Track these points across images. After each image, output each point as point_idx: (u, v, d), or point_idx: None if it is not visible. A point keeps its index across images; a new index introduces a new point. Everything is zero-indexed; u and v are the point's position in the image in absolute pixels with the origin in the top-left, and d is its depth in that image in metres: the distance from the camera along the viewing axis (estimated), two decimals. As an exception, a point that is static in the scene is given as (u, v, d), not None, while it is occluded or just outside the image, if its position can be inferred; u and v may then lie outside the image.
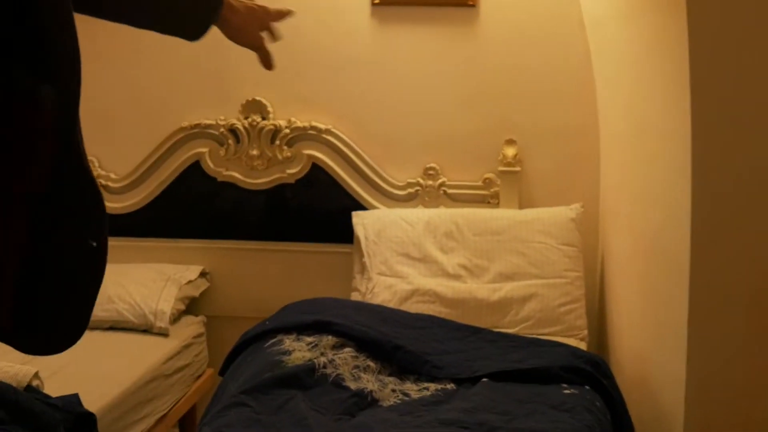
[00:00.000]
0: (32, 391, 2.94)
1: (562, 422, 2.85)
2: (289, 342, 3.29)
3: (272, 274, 4.30)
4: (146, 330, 3.99)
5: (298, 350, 3.22)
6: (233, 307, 4.35)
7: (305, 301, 3.67)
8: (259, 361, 3.18)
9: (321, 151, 4.22)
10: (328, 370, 3.10)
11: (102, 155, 4.41)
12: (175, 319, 4.14)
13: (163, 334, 3.99)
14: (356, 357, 3.20)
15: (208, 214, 4.36)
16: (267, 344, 3.30)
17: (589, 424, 2.87)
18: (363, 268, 3.98)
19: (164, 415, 3.79)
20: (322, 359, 3.14)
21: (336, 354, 3.19)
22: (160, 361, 3.79)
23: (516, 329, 3.70)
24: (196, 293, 4.31)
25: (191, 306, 4.31)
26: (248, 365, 3.21)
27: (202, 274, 4.36)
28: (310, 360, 3.14)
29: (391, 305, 3.75)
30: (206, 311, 4.35)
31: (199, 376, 4.20)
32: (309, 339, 3.29)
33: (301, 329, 3.35)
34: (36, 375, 3.01)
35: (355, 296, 3.95)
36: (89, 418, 2.98)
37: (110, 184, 4.39)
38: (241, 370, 3.21)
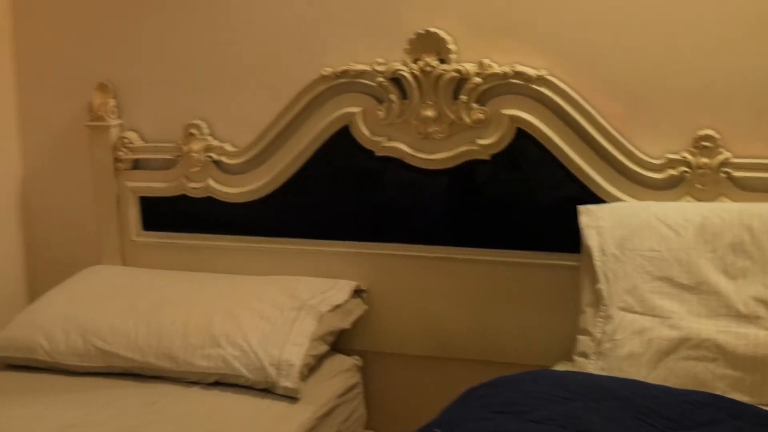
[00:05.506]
0: None
1: None
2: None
3: (458, 293, 3.20)
4: (267, 389, 2.84)
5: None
6: (401, 341, 3.29)
7: (502, 381, 2.38)
8: None
9: (530, 111, 3.07)
10: None
11: (214, 119, 3.41)
12: (312, 368, 2.97)
13: (291, 396, 2.81)
14: None
15: (362, 205, 3.32)
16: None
17: None
18: (597, 299, 2.80)
19: None
20: None
21: None
22: (281, 449, 2.61)
23: None
24: (347, 323, 3.16)
25: (340, 339, 3.19)
26: None
27: (357, 293, 3.25)
28: None
29: (642, 362, 2.63)
30: (362, 345, 3.30)
31: (351, 447, 3.06)
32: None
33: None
34: None
35: (584, 344, 2.76)
36: None
37: (225, 159, 3.41)
38: None
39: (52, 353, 2.98)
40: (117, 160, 3.43)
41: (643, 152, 2.97)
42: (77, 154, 3.50)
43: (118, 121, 3.44)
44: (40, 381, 2.95)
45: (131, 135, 3.43)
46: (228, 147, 3.36)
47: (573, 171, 3.02)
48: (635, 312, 2.72)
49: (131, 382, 2.92)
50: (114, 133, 3.43)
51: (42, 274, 3.59)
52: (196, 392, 2.85)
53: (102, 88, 3.39)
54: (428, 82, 3.07)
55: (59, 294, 3.22)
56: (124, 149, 3.42)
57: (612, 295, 2.76)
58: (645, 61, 2.97)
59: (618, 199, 2.98)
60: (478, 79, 3.03)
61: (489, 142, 3.06)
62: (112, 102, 3.41)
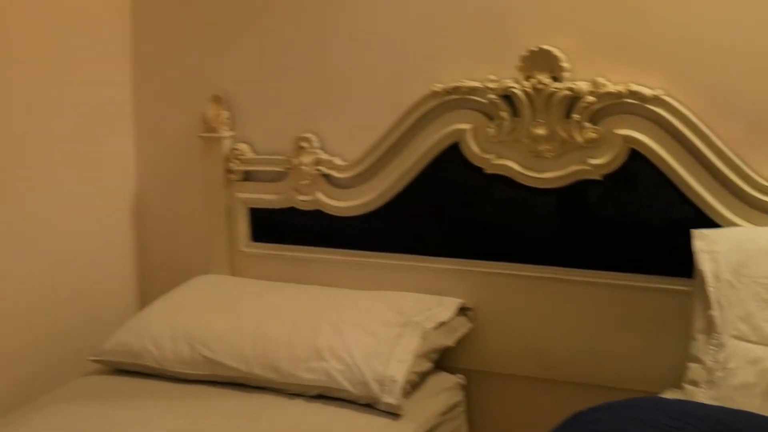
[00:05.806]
0: None
1: None
2: None
3: (565, 314, 3.05)
4: (369, 404, 2.77)
5: None
6: (506, 361, 3.15)
7: (611, 407, 2.21)
8: None
9: (645, 132, 2.89)
10: None
11: (324, 132, 3.36)
12: (415, 385, 2.89)
13: (393, 413, 2.74)
14: None
15: (471, 222, 3.18)
16: None
17: None
18: (709, 325, 2.62)
19: None
20: None
21: None
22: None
23: None
24: (451, 341, 3.06)
25: (444, 356, 3.09)
26: None
27: (462, 311, 3.13)
28: None
29: (755, 392, 2.44)
30: (466, 363, 3.17)
31: (452, 467, 2.95)
32: None
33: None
34: None
35: (695, 371, 2.58)
36: None
37: (334, 173, 3.34)
38: None
39: (159, 359, 2.96)
40: (228, 171, 3.39)
41: (761, 176, 2.76)
42: (190, 164, 3.48)
43: (231, 133, 3.40)
44: (146, 386, 2.92)
45: (243, 147, 3.39)
46: (337, 161, 3.29)
47: (688, 194, 2.83)
48: (749, 341, 2.52)
49: (235, 392, 2.87)
50: (226, 144, 3.39)
51: (153, 282, 3.59)
52: (298, 404, 2.79)
53: (216, 99, 3.37)
54: (540, 100, 2.93)
55: (168, 301, 3.21)
56: (235, 161, 3.38)
57: (725, 322, 2.57)
58: (763, 81, 2.75)
59: (734, 224, 2.78)
60: (591, 98, 2.87)
61: (601, 162, 2.90)
62: (225, 114, 3.38)
